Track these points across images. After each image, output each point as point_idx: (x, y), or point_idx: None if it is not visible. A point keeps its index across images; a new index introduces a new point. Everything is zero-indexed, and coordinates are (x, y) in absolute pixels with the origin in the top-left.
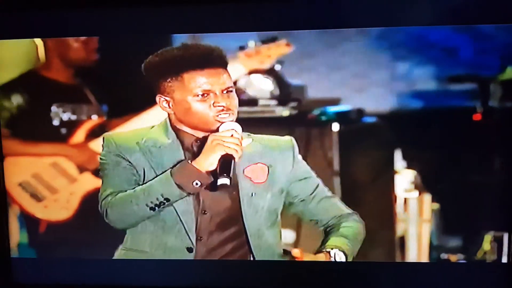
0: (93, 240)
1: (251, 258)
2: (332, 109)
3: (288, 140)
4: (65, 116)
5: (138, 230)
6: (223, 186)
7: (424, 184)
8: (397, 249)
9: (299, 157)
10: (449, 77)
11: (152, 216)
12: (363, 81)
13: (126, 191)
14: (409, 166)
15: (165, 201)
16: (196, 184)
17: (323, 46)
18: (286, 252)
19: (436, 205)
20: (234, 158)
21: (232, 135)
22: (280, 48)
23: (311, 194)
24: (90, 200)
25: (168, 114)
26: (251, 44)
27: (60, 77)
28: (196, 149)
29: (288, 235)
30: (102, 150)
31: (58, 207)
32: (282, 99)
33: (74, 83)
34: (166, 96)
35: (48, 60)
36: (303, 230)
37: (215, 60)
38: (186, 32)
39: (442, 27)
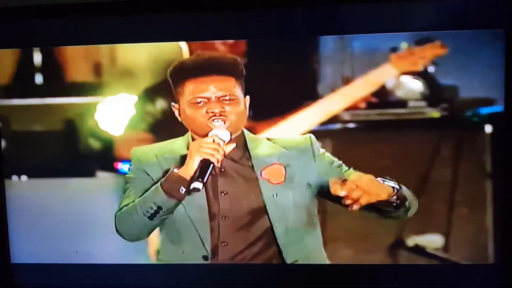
0: None
1: (280, 259)
2: (486, 110)
3: (306, 137)
4: None
5: (166, 241)
6: (195, 190)
7: None
8: None
9: (321, 150)
10: None
11: (162, 225)
12: None
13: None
14: None
15: (158, 210)
16: (182, 190)
17: (477, 46)
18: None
19: None
20: (212, 163)
21: (213, 140)
22: (435, 50)
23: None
24: None
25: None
26: (404, 45)
27: None
28: None
29: (436, 239)
30: (130, 164)
31: None
32: (433, 100)
33: None
34: (175, 104)
35: None
36: (452, 235)
37: (223, 68)
38: (334, 34)
39: None
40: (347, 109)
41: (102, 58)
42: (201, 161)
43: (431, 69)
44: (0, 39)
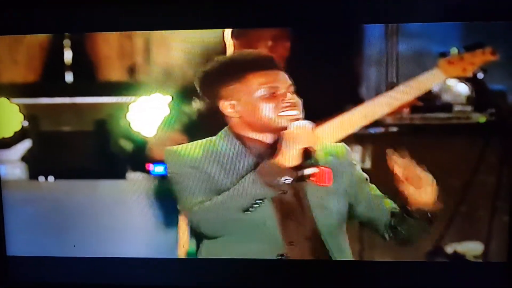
0: None
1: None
2: None
3: (341, 145)
4: None
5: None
6: (313, 175)
7: None
8: None
9: (354, 161)
10: None
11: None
12: None
13: (209, 199)
14: None
15: (257, 202)
16: (286, 180)
17: None
18: None
19: None
20: (314, 150)
21: (305, 129)
22: (485, 56)
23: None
24: None
25: (229, 122)
26: (454, 50)
27: None
28: (264, 152)
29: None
30: (168, 164)
31: None
32: (479, 105)
33: None
34: (230, 100)
35: None
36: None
37: (272, 63)
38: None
39: None
40: (391, 114)
41: (136, 57)
42: (304, 149)
43: (480, 75)
44: (27, 25)
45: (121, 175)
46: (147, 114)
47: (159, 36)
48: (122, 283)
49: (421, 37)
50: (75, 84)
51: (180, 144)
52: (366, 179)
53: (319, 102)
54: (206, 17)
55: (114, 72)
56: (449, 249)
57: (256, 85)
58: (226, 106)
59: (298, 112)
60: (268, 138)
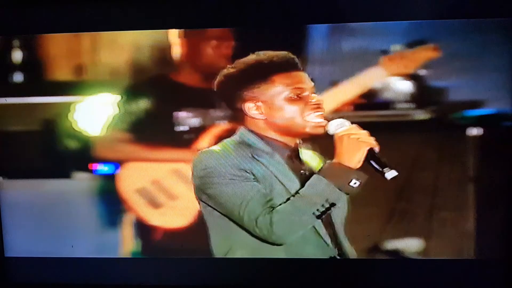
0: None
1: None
2: (474, 112)
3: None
4: (190, 122)
5: (238, 243)
6: (394, 178)
7: None
8: None
9: None
10: None
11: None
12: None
13: (278, 204)
14: None
15: (330, 206)
16: (355, 183)
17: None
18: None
19: None
20: (377, 151)
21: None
22: (428, 53)
23: None
24: None
25: (250, 124)
26: (395, 48)
27: (189, 81)
28: (294, 155)
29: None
30: (208, 165)
31: (176, 215)
32: (421, 102)
33: (203, 87)
34: (255, 102)
35: (180, 64)
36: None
37: (296, 65)
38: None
39: None
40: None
41: (83, 57)
42: (368, 150)
43: (422, 72)
44: None
45: (66, 175)
46: (93, 114)
47: (106, 36)
48: (122, 283)
49: (364, 35)
50: (23, 84)
51: (131, 141)
52: None
53: None
54: (150, 17)
55: (61, 72)
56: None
57: (282, 87)
58: (251, 108)
59: (322, 113)
60: (289, 141)
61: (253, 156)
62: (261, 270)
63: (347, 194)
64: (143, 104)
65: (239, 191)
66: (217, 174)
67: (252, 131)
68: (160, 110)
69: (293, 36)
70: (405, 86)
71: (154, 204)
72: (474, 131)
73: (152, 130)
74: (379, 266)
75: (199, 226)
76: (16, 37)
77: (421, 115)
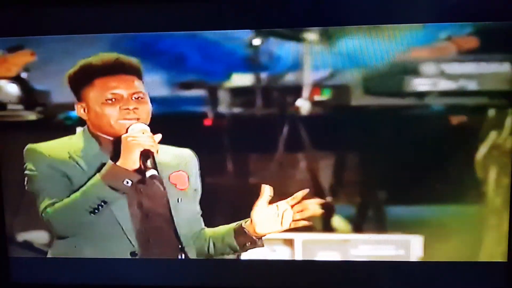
0: None
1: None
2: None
3: (190, 152)
4: None
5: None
6: (153, 177)
7: None
8: None
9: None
10: (180, 84)
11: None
12: None
13: (61, 200)
14: None
15: (102, 203)
16: (127, 182)
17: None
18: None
19: None
20: (152, 152)
21: (143, 133)
22: (25, 57)
23: None
24: None
25: (86, 122)
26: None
27: None
28: (113, 151)
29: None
30: (27, 162)
31: None
32: (29, 104)
33: None
34: (82, 103)
35: None
36: None
37: (126, 68)
38: None
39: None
40: None
41: None
42: (141, 152)
43: (24, 75)
44: None
45: None
46: None
47: None
48: (122, 283)
49: None
50: None
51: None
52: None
53: None
54: None
55: None
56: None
57: (101, 91)
58: (79, 109)
59: (137, 119)
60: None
61: (71, 152)
62: (261, 271)
63: (123, 192)
64: None
65: (44, 186)
66: (30, 169)
67: (88, 129)
68: None
69: None
70: (13, 88)
71: None
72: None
73: None
74: (380, 267)
75: None
76: None
77: (30, 115)
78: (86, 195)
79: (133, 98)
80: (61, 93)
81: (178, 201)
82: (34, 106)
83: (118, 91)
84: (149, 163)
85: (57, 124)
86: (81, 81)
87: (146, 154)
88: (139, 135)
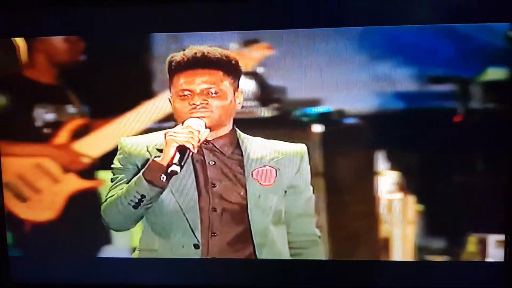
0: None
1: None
2: (314, 110)
3: (301, 147)
4: (48, 117)
5: (148, 230)
6: (173, 173)
7: (407, 186)
8: (381, 250)
9: (307, 167)
10: (430, 78)
11: (149, 215)
12: (342, 82)
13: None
14: (392, 168)
15: (142, 198)
16: (163, 178)
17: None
18: None
19: (420, 207)
20: (188, 149)
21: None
22: (263, 51)
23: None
24: (75, 201)
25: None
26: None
27: (43, 78)
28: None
29: None
30: (118, 154)
31: (42, 208)
32: (262, 100)
33: (57, 84)
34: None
35: (31, 61)
36: None
37: (210, 62)
38: (166, 31)
39: (422, 27)
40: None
41: None
42: (177, 147)
43: (260, 70)
44: None
45: None
46: None
47: None
48: (123, 283)
49: None
50: None
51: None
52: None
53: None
54: None
55: None
56: None
57: (177, 85)
58: (170, 101)
59: (203, 114)
60: None
61: (148, 148)
62: (261, 271)
63: (160, 187)
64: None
65: (117, 179)
66: (114, 165)
67: None
68: (17, 107)
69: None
70: (249, 85)
71: (21, 198)
72: (316, 128)
73: (12, 127)
74: (379, 268)
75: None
76: None
77: (264, 112)
78: (128, 190)
79: (209, 93)
80: (297, 89)
81: (258, 197)
82: (269, 102)
83: (190, 86)
84: (176, 159)
85: (291, 121)
86: (169, 74)
87: (181, 151)
88: (180, 131)
